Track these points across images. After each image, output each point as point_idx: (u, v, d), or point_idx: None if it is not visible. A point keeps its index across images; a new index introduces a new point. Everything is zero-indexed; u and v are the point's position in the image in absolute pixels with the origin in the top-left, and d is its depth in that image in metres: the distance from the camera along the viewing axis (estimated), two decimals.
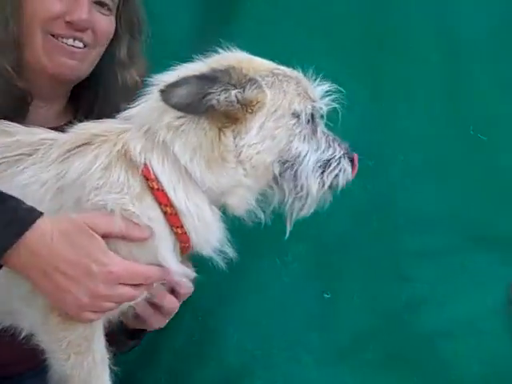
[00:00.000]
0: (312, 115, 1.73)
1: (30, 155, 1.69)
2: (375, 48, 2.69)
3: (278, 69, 1.74)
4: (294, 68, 1.80)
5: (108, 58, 2.16)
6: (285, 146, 1.67)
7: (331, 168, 1.72)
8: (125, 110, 1.76)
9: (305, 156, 1.69)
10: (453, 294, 2.65)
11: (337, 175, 1.73)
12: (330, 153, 1.73)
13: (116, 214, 1.58)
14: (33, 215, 1.55)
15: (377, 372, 2.63)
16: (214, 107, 1.60)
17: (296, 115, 1.69)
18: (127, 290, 1.61)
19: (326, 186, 1.72)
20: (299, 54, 2.51)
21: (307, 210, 1.75)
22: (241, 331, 2.68)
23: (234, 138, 1.65)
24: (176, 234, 1.67)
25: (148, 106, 1.71)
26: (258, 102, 1.65)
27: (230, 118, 1.64)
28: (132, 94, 1.85)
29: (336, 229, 2.68)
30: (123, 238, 1.60)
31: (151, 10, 2.34)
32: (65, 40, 2.01)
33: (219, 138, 1.65)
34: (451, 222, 2.68)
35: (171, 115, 1.65)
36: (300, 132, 1.69)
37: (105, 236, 1.58)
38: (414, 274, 2.67)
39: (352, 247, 2.70)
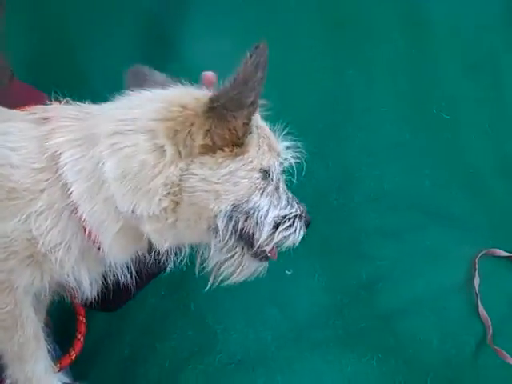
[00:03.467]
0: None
1: None
2: (337, 29, 2.73)
3: (261, 122, 1.68)
4: None
5: None
6: (243, 196, 1.60)
7: (284, 226, 1.68)
8: None
9: (267, 210, 1.64)
10: (413, 271, 2.65)
11: (289, 235, 1.69)
12: (288, 210, 1.70)
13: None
14: None
15: (335, 349, 2.61)
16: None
17: (264, 171, 1.63)
18: None
19: (274, 242, 1.67)
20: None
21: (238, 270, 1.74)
22: (202, 306, 2.71)
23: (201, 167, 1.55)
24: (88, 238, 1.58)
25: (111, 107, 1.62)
26: (243, 147, 1.59)
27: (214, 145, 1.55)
28: None
29: None
30: None
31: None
32: None
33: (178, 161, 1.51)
34: (412, 200, 2.69)
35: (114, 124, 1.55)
36: (264, 187, 1.64)
37: None
38: (374, 252, 2.68)
39: (313, 225, 2.70)
